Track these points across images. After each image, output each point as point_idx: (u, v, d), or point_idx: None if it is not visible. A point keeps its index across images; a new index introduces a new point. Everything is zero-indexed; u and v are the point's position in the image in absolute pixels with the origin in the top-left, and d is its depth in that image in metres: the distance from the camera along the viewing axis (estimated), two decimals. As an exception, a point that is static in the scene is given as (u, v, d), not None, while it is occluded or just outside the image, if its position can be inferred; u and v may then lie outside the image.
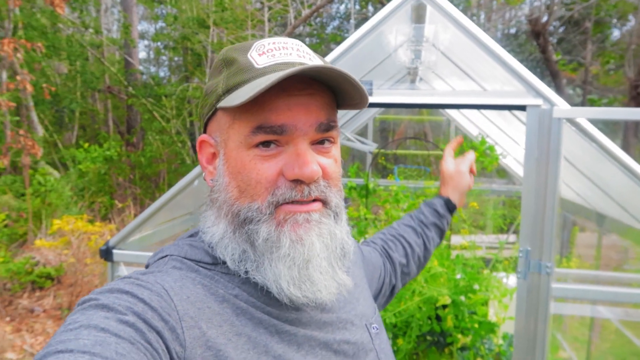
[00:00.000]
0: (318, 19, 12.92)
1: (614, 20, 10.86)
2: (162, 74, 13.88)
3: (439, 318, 2.24)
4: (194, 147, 9.27)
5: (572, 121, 1.44)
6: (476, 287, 2.23)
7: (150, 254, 0.76)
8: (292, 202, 0.65)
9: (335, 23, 13.44)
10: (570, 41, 11.14)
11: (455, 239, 3.20)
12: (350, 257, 0.72)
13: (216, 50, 9.05)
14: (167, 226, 2.01)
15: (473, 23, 1.51)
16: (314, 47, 10.84)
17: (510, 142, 3.15)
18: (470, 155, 1.26)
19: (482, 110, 3.18)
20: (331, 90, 0.68)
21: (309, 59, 0.67)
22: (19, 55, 6.02)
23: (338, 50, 1.59)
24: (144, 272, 0.65)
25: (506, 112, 2.46)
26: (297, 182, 0.64)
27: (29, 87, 6.22)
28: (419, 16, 1.58)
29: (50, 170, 7.66)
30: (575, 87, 11.49)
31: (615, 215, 2.27)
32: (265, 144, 0.64)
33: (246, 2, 9.20)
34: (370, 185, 3.12)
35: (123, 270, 1.89)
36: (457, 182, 1.22)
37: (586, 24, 10.40)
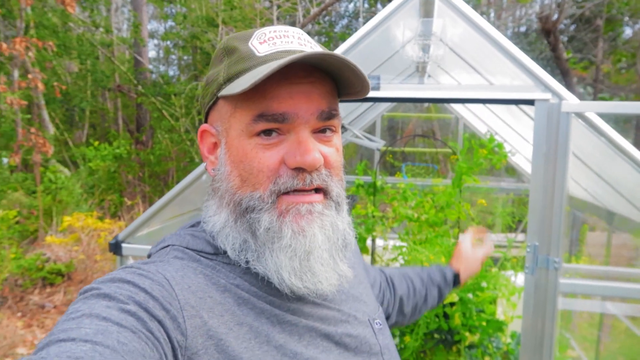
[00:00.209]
0: (327, 18, 12.91)
1: (626, 18, 10.73)
2: (171, 72, 13.96)
3: (446, 316, 2.23)
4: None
5: (581, 116, 1.43)
6: (484, 284, 2.22)
7: (158, 249, 0.76)
8: (294, 192, 0.64)
9: (344, 22, 13.42)
10: (581, 39, 11.03)
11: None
12: (352, 247, 0.72)
13: (225, 49, 9.03)
14: (175, 221, 2.03)
15: (481, 17, 1.50)
16: (323, 46, 10.79)
17: (519, 139, 3.13)
18: (489, 248, 1.30)
19: (491, 107, 3.16)
20: (332, 79, 0.68)
21: (310, 47, 0.67)
22: (30, 54, 6.09)
23: (345, 45, 1.59)
24: (145, 262, 0.65)
25: (515, 109, 2.44)
26: (299, 170, 0.64)
27: (40, 86, 6.28)
28: (427, 10, 1.57)
29: (61, 168, 7.73)
30: (586, 86, 11.38)
31: (626, 213, 2.24)
32: (267, 132, 0.64)
33: (255, 1, 9.22)
34: (378, 183, 3.11)
35: (131, 265, 1.89)
36: (468, 265, 1.25)
37: (597, 21, 10.29)
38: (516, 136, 3.13)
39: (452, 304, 2.21)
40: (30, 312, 4.75)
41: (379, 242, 3.04)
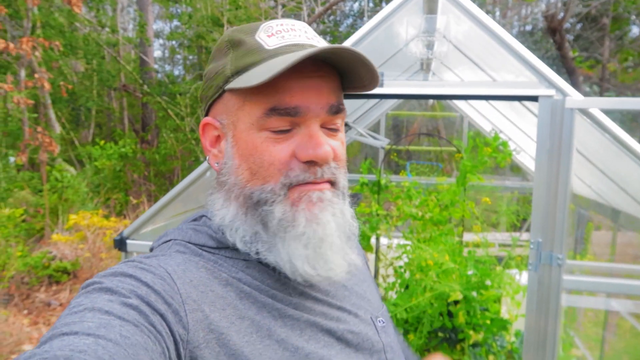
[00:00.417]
0: (332, 17, 12.91)
1: (633, 17, 10.65)
2: (176, 72, 14.00)
3: (450, 314, 2.22)
4: (207, 144, 9.28)
5: (586, 112, 1.42)
6: (488, 283, 2.21)
7: (163, 246, 0.76)
8: (308, 183, 0.65)
9: (349, 21, 13.41)
10: (588, 38, 10.96)
11: (468, 236, 3.18)
12: (356, 239, 0.73)
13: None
14: (179, 218, 2.04)
15: (485, 14, 1.49)
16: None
17: (524, 137, 3.12)
18: None
19: (495, 105, 3.16)
20: (338, 73, 0.68)
21: (317, 41, 0.68)
22: (37, 53, 6.12)
23: (349, 41, 1.59)
24: (147, 256, 0.66)
25: (519, 107, 2.43)
26: (311, 163, 0.64)
27: (47, 85, 6.32)
28: (430, 7, 1.57)
29: (67, 167, 7.78)
30: (592, 85, 11.31)
31: (631, 211, 2.23)
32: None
33: (260, 0, 9.23)
34: (383, 182, 3.11)
35: (136, 262, 1.90)
36: None
37: (604, 20, 10.23)
38: (521, 134, 3.12)
39: (456, 302, 2.21)
40: (37, 310, 4.78)
41: (383, 240, 3.04)
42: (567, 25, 9.80)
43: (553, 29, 7.92)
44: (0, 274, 5.01)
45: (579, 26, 11.37)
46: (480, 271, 2.22)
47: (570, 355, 2.67)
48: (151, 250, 0.73)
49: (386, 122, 4.51)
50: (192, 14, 9.94)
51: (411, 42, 1.79)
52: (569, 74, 8.33)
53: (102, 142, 8.57)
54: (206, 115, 0.72)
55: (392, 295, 2.47)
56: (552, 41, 8.96)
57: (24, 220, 5.96)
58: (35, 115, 7.68)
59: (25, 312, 4.74)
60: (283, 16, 9.20)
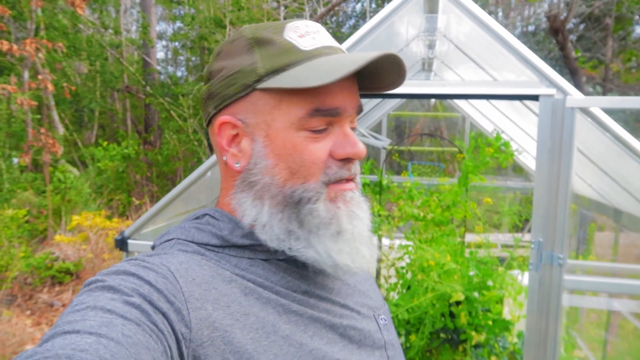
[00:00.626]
0: (334, 18, 12.93)
1: (636, 17, 10.62)
2: (179, 73, 14.03)
3: (452, 315, 2.22)
4: (210, 145, 9.34)
5: (587, 112, 1.42)
6: (490, 283, 2.21)
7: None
8: (339, 181, 0.68)
9: (352, 22, 13.42)
10: (590, 38, 10.94)
11: (470, 237, 3.17)
12: None
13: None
14: (181, 218, 2.04)
15: (486, 13, 1.49)
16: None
17: (526, 137, 3.11)
18: None
19: (497, 105, 3.15)
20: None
21: (337, 43, 0.70)
22: (40, 55, 6.16)
23: (350, 41, 1.59)
24: (149, 254, 0.65)
25: (521, 106, 2.43)
26: (345, 161, 0.68)
27: (50, 87, 6.34)
28: (431, 6, 1.57)
29: (70, 168, 7.80)
30: (595, 85, 11.28)
31: (634, 211, 2.22)
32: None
33: (262, 1, 9.25)
34: (384, 182, 3.12)
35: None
36: None
37: (607, 20, 10.20)
38: (523, 134, 3.12)
39: (458, 303, 2.20)
40: (39, 311, 4.80)
41: (385, 241, 3.04)
42: (569, 25, 9.78)
43: (556, 29, 7.90)
44: (3, 275, 5.03)
45: (581, 26, 11.35)
46: (482, 272, 2.21)
47: (573, 357, 2.66)
48: (153, 248, 0.73)
49: (388, 122, 4.51)
50: (194, 16, 9.97)
51: (412, 41, 1.79)
52: (572, 75, 8.31)
53: (105, 143, 8.59)
54: (216, 113, 0.70)
55: (394, 296, 2.47)
56: (554, 41, 8.95)
57: (27, 221, 5.98)
58: (39, 116, 7.71)
59: (28, 312, 4.76)
60: (285, 17, 9.22)
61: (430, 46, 1.74)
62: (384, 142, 3.04)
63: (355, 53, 0.64)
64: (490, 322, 2.20)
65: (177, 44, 12.85)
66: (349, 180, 0.69)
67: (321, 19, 8.60)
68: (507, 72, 1.72)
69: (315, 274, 0.71)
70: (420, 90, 1.54)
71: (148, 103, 10.24)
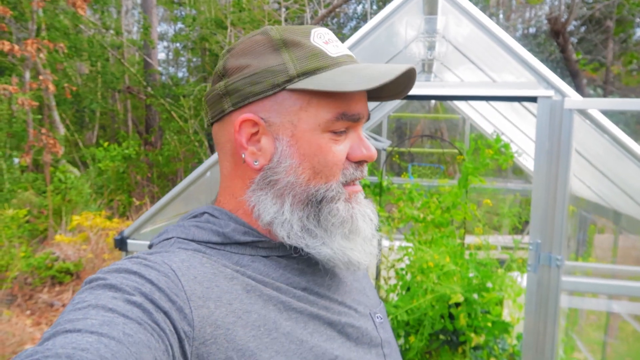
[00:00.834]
0: (335, 19, 12.94)
1: (637, 19, 10.62)
2: (180, 74, 14.05)
3: (452, 317, 2.22)
4: (211, 146, 9.36)
5: (586, 114, 1.42)
6: (489, 285, 2.21)
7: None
8: (352, 183, 0.72)
9: (352, 23, 13.44)
10: (591, 40, 10.93)
11: (470, 239, 3.17)
12: None
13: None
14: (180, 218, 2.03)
15: (484, 15, 1.49)
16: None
17: (525, 139, 3.11)
18: None
19: (496, 107, 3.15)
20: None
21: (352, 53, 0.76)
22: (41, 55, 6.16)
23: (349, 42, 1.59)
24: (151, 252, 0.65)
25: (521, 108, 2.43)
26: (360, 162, 0.72)
27: (51, 87, 6.35)
28: (430, 8, 1.57)
29: (71, 168, 7.81)
30: (596, 87, 11.27)
31: (632, 213, 2.22)
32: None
33: (263, 3, 9.26)
34: (384, 184, 3.12)
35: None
36: None
37: (608, 23, 10.20)
38: (523, 136, 3.12)
39: (457, 305, 2.20)
40: (39, 310, 4.80)
41: (385, 242, 3.04)
42: (570, 27, 9.79)
43: (557, 32, 7.90)
44: (3, 275, 5.03)
45: (582, 29, 11.35)
46: (481, 273, 2.21)
47: (572, 358, 2.65)
48: (150, 247, 0.73)
49: (388, 124, 4.51)
50: (196, 17, 9.99)
51: (412, 42, 1.79)
52: (573, 77, 8.31)
53: (105, 144, 8.60)
54: (233, 110, 0.70)
55: (394, 297, 2.47)
56: (555, 44, 8.95)
57: (27, 221, 5.99)
58: (40, 116, 7.72)
59: (28, 312, 4.76)
60: (286, 19, 9.23)
61: (430, 47, 1.75)
62: (384, 143, 3.04)
63: (379, 64, 0.69)
64: (489, 324, 2.20)
65: (178, 44, 12.87)
66: (360, 180, 0.74)
67: (322, 21, 8.61)
68: (506, 73, 1.72)
69: (314, 271, 0.72)
70: (421, 92, 1.54)
71: (149, 104, 10.25)
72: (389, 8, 1.56)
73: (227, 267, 0.66)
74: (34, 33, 6.99)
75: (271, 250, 0.70)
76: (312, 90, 0.66)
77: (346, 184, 0.71)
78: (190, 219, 0.74)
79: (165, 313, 0.55)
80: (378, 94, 0.75)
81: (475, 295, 2.18)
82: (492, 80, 1.93)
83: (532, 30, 12.93)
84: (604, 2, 9.01)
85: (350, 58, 0.71)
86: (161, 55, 15.14)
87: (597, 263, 2.64)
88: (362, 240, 0.72)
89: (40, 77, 6.44)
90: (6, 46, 5.75)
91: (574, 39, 11.11)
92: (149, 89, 10.06)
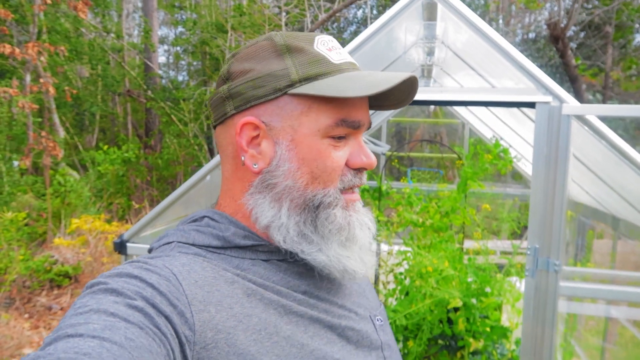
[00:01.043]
0: (335, 24, 12.98)
1: (637, 25, 10.66)
2: (180, 78, 14.07)
3: (450, 321, 2.22)
4: (210, 150, 9.38)
5: (584, 120, 1.42)
6: (488, 290, 2.21)
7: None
8: (351, 190, 0.72)
9: (352, 28, 13.48)
10: (591, 46, 10.97)
11: (468, 244, 3.17)
12: None
13: (234, 54, 9.12)
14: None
15: (483, 21, 1.50)
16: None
17: (524, 145, 3.12)
18: None
19: (496, 112, 3.16)
20: None
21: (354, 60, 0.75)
22: (42, 58, 6.17)
23: (349, 47, 1.60)
24: (152, 257, 0.66)
25: (520, 114, 2.44)
26: (359, 170, 0.72)
27: (52, 90, 6.36)
28: (430, 14, 1.58)
29: (70, 171, 7.81)
30: (595, 93, 11.30)
31: (631, 219, 2.22)
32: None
33: (264, 7, 9.29)
34: (384, 188, 3.12)
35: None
36: None
37: (607, 28, 10.23)
38: (521, 141, 3.12)
39: (456, 309, 2.20)
40: (38, 314, 4.79)
41: (384, 247, 3.04)
42: (570, 33, 9.82)
43: (556, 37, 7.92)
44: (2, 278, 5.03)
45: (582, 34, 11.39)
46: (480, 278, 2.21)
47: (571, 364, 2.65)
48: (150, 251, 0.73)
49: (388, 128, 4.52)
50: (196, 21, 10.01)
51: (411, 48, 1.80)
52: (572, 82, 8.33)
53: (105, 147, 8.61)
54: (235, 114, 0.70)
55: (392, 301, 2.47)
56: (555, 49, 8.97)
57: (26, 224, 5.98)
58: (40, 119, 7.72)
59: (27, 315, 4.75)
60: (286, 23, 9.26)
61: (429, 53, 1.76)
62: (383, 148, 3.05)
63: (381, 72, 0.69)
64: (488, 329, 2.20)
65: (178, 48, 12.88)
66: (358, 187, 0.73)
67: (322, 25, 8.64)
68: (505, 79, 1.73)
69: (313, 275, 0.72)
70: (420, 97, 1.55)
71: (149, 107, 10.27)
72: (389, 13, 1.57)
73: (228, 271, 0.66)
74: (35, 36, 7.00)
75: (271, 254, 0.70)
76: (313, 95, 0.66)
77: (344, 190, 0.71)
78: (190, 223, 0.74)
79: (167, 317, 0.55)
80: (380, 102, 0.75)
81: (474, 300, 2.18)
82: (491, 86, 1.94)
83: (531, 35, 12.98)
84: (603, 7, 9.05)
85: (352, 65, 0.71)
86: (162, 59, 15.16)
87: (596, 268, 2.65)
88: (358, 249, 0.71)
89: (41, 80, 6.46)
90: (7, 49, 5.76)
91: (573, 45, 11.15)
92: (149, 92, 10.07)
